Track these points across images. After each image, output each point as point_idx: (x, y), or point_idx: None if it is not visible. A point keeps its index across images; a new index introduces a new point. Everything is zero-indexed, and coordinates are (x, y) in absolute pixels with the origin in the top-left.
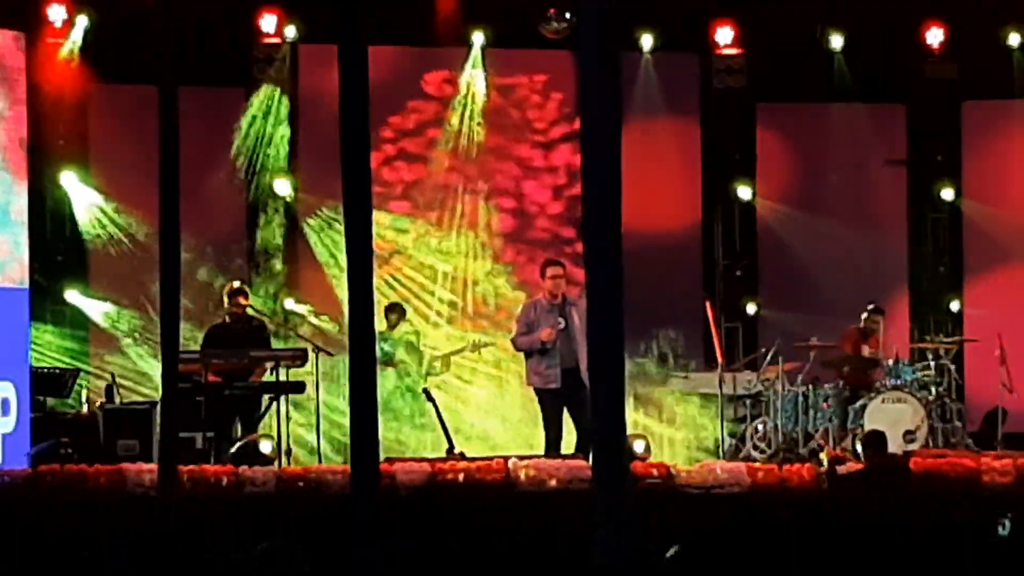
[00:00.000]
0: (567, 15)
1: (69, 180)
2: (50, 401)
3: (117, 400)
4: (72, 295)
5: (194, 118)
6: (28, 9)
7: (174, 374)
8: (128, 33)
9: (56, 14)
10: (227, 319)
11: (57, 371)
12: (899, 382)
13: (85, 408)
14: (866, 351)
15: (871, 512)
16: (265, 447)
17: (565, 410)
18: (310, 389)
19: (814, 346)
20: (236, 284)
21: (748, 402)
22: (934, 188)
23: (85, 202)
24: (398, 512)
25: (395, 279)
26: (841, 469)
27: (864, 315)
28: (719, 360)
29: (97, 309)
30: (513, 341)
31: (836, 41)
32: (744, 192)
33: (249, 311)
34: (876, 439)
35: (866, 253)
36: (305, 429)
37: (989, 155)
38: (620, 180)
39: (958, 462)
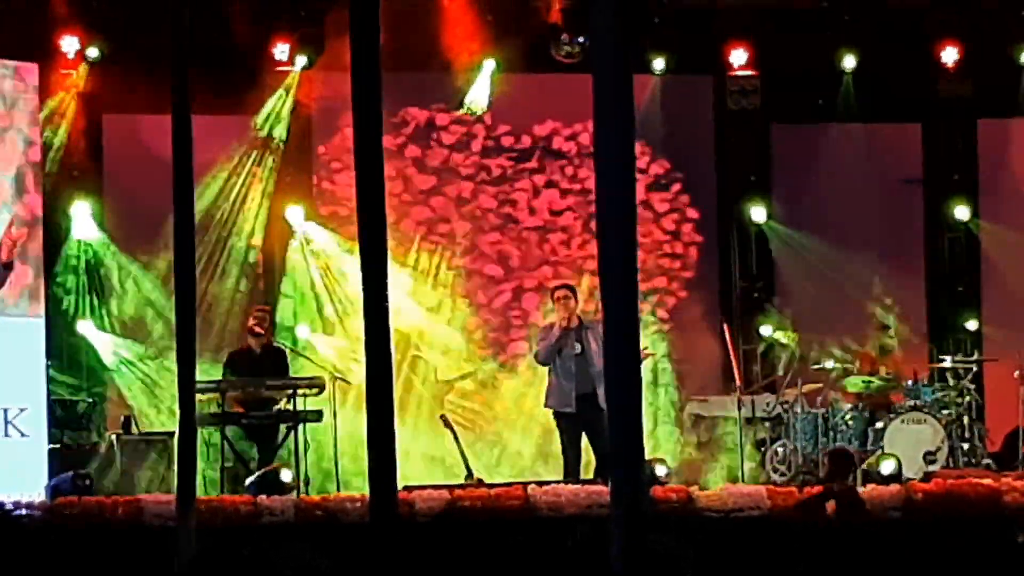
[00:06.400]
0: (580, 39)
1: (82, 210)
2: (68, 433)
3: (135, 431)
4: (86, 327)
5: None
6: (41, 40)
7: (191, 404)
8: (140, 62)
9: (69, 45)
10: (250, 345)
11: (74, 403)
12: (919, 403)
13: (103, 440)
14: (883, 372)
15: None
16: (285, 476)
17: (583, 436)
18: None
19: (832, 368)
20: (262, 309)
21: (767, 424)
22: (950, 207)
23: (98, 233)
24: (417, 540)
25: None
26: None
27: (877, 334)
28: (737, 382)
29: (110, 343)
30: (536, 356)
31: (850, 61)
32: (760, 213)
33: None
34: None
35: (883, 273)
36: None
37: (1005, 173)
38: (635, 202)
39: (979, 483)
